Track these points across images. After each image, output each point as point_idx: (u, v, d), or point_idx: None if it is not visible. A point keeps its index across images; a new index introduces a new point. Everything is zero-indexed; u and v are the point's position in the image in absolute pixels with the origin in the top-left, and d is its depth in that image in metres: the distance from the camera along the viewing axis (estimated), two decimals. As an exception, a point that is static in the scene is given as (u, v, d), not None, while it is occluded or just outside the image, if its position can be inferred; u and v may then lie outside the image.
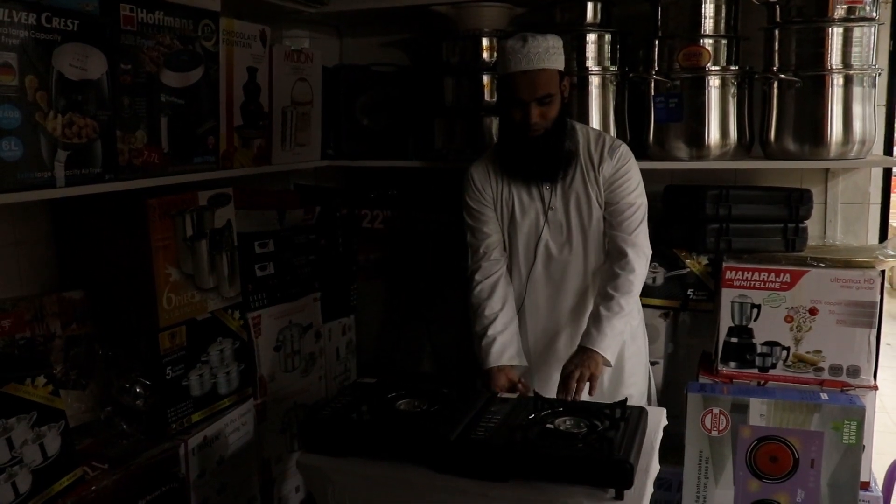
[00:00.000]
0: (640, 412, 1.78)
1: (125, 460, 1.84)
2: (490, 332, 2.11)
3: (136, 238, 1.96)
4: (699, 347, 2.54)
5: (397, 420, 1.76)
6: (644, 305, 2.50)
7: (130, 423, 1.99)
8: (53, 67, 1.65)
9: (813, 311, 2.21)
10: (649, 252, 2.12)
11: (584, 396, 1.96)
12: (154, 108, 1.95)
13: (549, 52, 2.00)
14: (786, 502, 2.15)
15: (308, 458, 1.76)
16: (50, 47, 1.64)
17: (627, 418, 1.73)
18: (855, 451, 2.09)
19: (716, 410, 2.17)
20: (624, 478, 1.53)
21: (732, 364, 2.30)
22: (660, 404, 2.50)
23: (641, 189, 2.13)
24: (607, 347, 2.00)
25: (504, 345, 2.10)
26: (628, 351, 2.20)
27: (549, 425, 1.70)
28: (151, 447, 1.93)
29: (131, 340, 2.03)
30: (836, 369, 2.21)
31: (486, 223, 2.18)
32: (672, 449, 2.13)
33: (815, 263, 2.23)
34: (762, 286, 2.25)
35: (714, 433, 2.18)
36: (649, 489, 1.61)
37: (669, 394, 2.51)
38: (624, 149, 2.12)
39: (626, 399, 1.81)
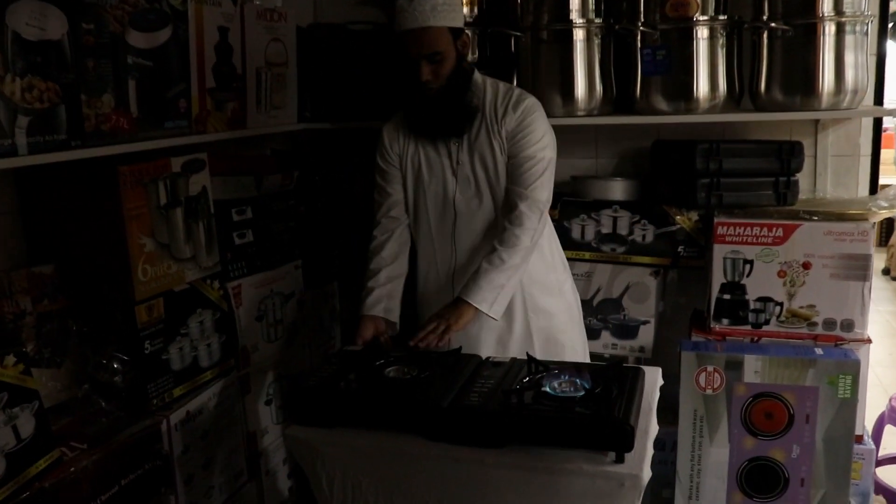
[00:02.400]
0: (637, 372, 1.73)
1: (105, 439, 1.76)
2: (370, 284, 2.12)
3: (108, 208, 1.86)
4: (691, 305, 2.50)
5: (387, 388, 1.70)
6: (633, 264, 2.46)
7: (109, 401, 1.91)
8: (8, 26, 1.54)
9: (806, 266, 2.17)
10: (545, 208, 2.04)
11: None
12: (121, 70, 1.84)
13: (436, 10, 1.93)
14: (781, 458, 2.12)
15: (295, 431, 1.70)
16: (2, 5, 1.53)
17: (624, 379, 1.68)
18: (850, 405, 2.06)
19: (710, 368, 2.13)
20: (624, 439, 1.48)
21: (725, 321, 2.25)
22: (653, 363, 2.47)
23: (546, 143, 2.05)
24: (483, 300, 1.94)
25: (380, 297, 2.10)
26: (557, 306, 2.16)
27: (544, 388, 1.64)
28: (132, 424, 1.85)
29: (107, 315, 1.94)
30: (829, 324, 2.18)
31: (390, 183, 2.16)
32: (666, 408, 2.07)
33: (808, 217, 2.18)
34: (754, 241, 2.20)
35: (708, 391, 2.14)
36: (650, 450, 1.56)
37: (662, 353, 2.47)
38: (530, 102, 2.05)
39: (622, 360, 1.75)
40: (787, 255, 2.17)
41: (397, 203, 2.17)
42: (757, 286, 2.21)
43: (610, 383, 1.65)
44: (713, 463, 2.16)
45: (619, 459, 1.49)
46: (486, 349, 2.15)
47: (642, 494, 1.49)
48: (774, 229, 2.18)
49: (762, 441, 2.12)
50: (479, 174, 2.08)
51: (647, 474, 1.48)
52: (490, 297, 1.95)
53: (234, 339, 2.23)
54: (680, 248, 2.41)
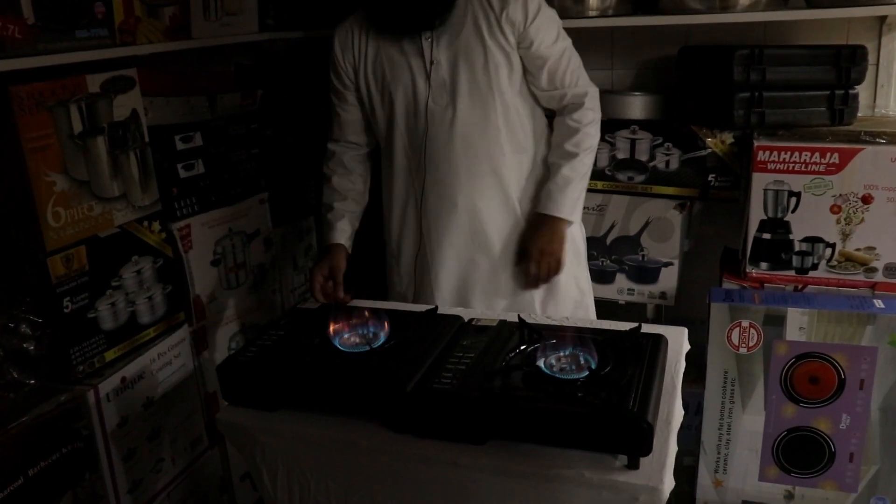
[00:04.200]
0: (658, 343, 1.33)
1: (7, 421, 1.42)
2: (339, 205, 1.79)
3: (2, 138, 1.47)
4: (720, 244, 2.07)
5: (338, 363, 1.31)
6: (655, 195, 2.03)
7: (23, 370, 1.56)
8: None
9: (866, 199, 1.73)
10: (597, 90, 1.76)
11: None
12: (3, -39, 1.42)
13: None
14: (827, 429, 1.74)
15: (230, 414, 1.33)
16: None
17: (641, 352, 1.29)
18: (916, 368, 1.66)
19: (745, 324, 1.72)
20: (640, 441, 1.09)
21: (764, 265, 1.83)
22: (675, 311, 2.07)
23: (561, 27, 1.69)
24: (572, 211, 1.73)
25: (353, 224, 1.81)
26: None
27: (538, 364, 1.25)
28: (46, 400, 1.51)
29: (16, 269, 1.57)
30: (892, 270, 1.75)
31: (343, 101, 1.80)
32: (690, 364, 1.69)
33: (872, 139, 1.72)
34: (803, 169, 1.75)
35: (742, 350, 1.74)
36: (672, 449, 1.18)
37: (686, 297, 2.07)
38: None
39: (639, 326, 1.35)
40: (844, 187, 1.73)
41: (353, 123, 1.80)
42: (804, 224, 1.78)
43: (623, 359, 1.26)
44: (745, 433, 1.79)
45: (633, 465, 1.11)
46: (476, 298, 1.77)
47: (661, 510, 1.11)
48: (828, 155, 1.73)
49: (805, 409, 1.74)
50: (462, 76, 1.66)
51: (668, 485, 1.10)
52: (578, 209, 1.76)
53: (183, 288, 1.87)
54: (710, 177, 1.97)
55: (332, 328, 1.38)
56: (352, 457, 1.25)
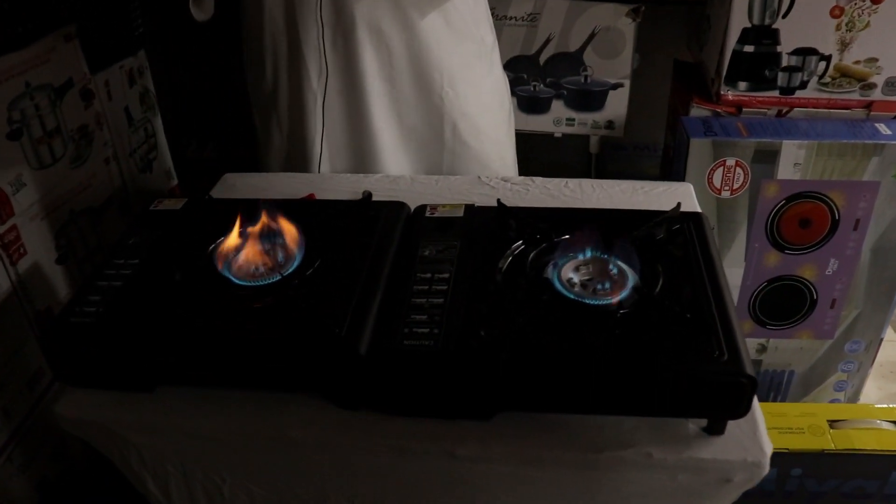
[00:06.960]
0: (701, 225, 0.89)
1: None
2: None
3: None
4: (670, 58, 1.62)
5: (239, 310, 0.79)
6: None
7: None
8: None
9: (876, -2, 1.31)
10: None
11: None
12: None
13: None
14: (811, 276, 1.44)
15: (76, 405, 0.80)
16: None
17: (684, 245, 0.85)
18: (917, 202, 1.36)
19: (730, 162, 1.33)
20: (737, 401, 0.69)
21: (742, 85, 1.41)
22: (619, 141, 1.66)
23: None
24: None
25: None
26: (483, 85, 1.27)
27: (548, 278, 0.79)
28: None
29: None
30: (893, 84, 1.38)
31: None
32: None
33: (889, -86, 1.28)
34: (803, -41, 1.30)
35: (725, 194, 1.36)
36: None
37: (638, 128, 1.65)
38: None
39: (678, 206, 0.91)
40: (850, -18, 1.31)
41: None
42: (796, 32, 1.36)
43: (665, 261, 0.82)
44: (720, 288, 1.46)
45: (716, 430, 0.72)
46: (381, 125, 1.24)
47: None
48: (836, -63, 1.28)
49: (790, 256, 1.42)
50: None
51: (769, 452, 0.72)
52: None
53: (-31, 178, 1.22)
54: (673, -26, 1.49)
55: (215, 247, 0.84)
56: (283, 450, 0.78)
